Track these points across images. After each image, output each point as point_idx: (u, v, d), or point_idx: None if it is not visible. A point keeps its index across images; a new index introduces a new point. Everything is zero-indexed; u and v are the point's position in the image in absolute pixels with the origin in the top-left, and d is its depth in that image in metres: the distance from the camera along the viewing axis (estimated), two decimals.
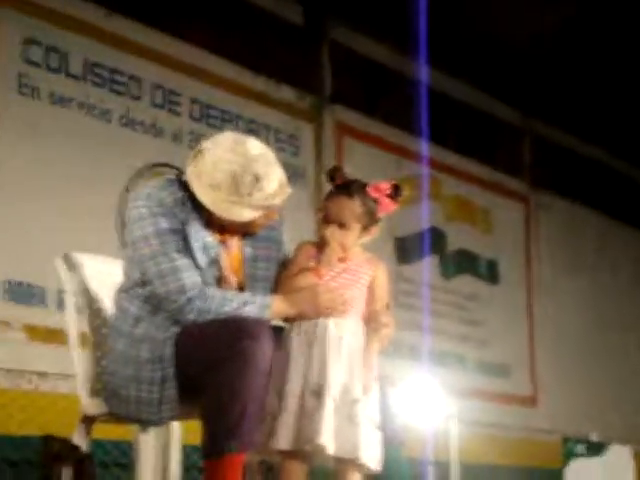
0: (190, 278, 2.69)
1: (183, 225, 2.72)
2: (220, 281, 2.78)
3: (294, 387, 2.67)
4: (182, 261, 2.69)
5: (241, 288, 2.83)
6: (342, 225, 2.80)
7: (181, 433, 3.55)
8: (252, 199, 2.70)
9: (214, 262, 2.77)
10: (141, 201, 2.75)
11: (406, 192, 2.88)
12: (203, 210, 2.76)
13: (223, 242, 2.82)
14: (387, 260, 2.97)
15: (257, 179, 2.71)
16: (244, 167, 2.71)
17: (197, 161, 2.75)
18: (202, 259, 2.73)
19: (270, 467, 4.45)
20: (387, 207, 2.84)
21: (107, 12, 5.83)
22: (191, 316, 2.68)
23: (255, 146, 2.76)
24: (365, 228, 2.84)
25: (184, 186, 2.77)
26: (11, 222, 5.18)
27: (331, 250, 2.81)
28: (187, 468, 4.78)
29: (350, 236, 2.82)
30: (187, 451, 4.43)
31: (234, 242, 2.85)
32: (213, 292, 2.71)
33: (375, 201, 2.82)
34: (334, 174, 2.85)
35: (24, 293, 5.21)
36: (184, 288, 2.67)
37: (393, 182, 2.87)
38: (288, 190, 2.78)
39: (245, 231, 2.84)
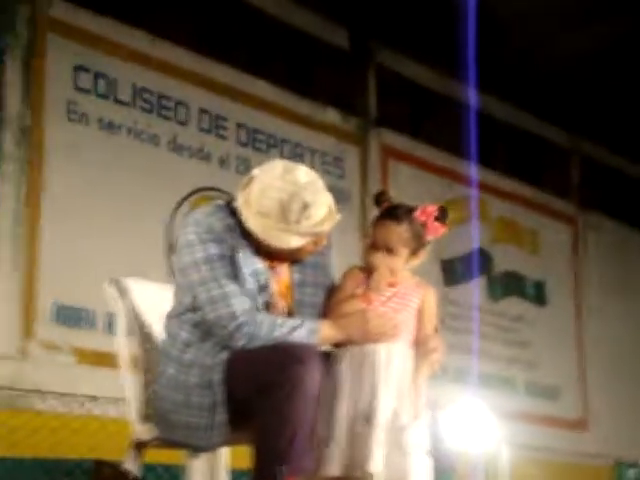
0: (240, 304, 2.69)
1: (232, 251, 2.73)
2: (269, 307, 2.79)
3: (344, 413, 2.66)
4: (232, 287, 2.70)
5: (289, 314, 2.83)
6: (390, 250, 2.78)
7: (229, 457, 3.54)
8: (300, 227, 2.70)
9: (264, 288, 2.77)
10: (190, 227, 2.76)
11: (452, 215, 2.86)
12: (252, 237, 2.77)
13: (272, 268, 2.83)
14: (434, 282, 2.96)
15: (305, 207, 2.71)
16: (292, 195, 2.70)
17: (247, 189, 2.76)
18: (252, 285, 2.73)
19: None
20: (435, 230, 2.82)
21: (152, 38, 5.90)
22: (241, 342, 2.68)
23: (304, 174, 2.76)
24: (413, 252, 2.82)
25: (233, 212, 2.78)
26: (60, 246, 5.24)
27: (380, 276, 2.80)
28: None
29: (398, 261, 2.80)
30: (235, 476, 4.44)
31: (283, 269, 2.85)
32: (262, 318, 2.71)
33: (423, 225, 2.81)
34: (380, 198, 2.84)
35: (73, 316, 5.25)
36: (235, 314, 2.68)
37: (440, 205, 2.85)
38: (337, 217, 2.78)
39: (293, 258, 2.84)
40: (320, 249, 2.88)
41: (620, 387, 8.57)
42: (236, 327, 2.67)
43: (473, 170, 7.46)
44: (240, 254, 2.73)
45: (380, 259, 2.78)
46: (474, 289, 7.63)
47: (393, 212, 2.82)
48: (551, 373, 8.11)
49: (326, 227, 2.75)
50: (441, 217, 2.82)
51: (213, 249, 2.72)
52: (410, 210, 2.83)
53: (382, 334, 2.73)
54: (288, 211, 2.70)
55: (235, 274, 2.71)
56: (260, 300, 2.75)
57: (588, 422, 8.33)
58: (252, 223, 2.72)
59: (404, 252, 2.80)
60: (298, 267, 2.87)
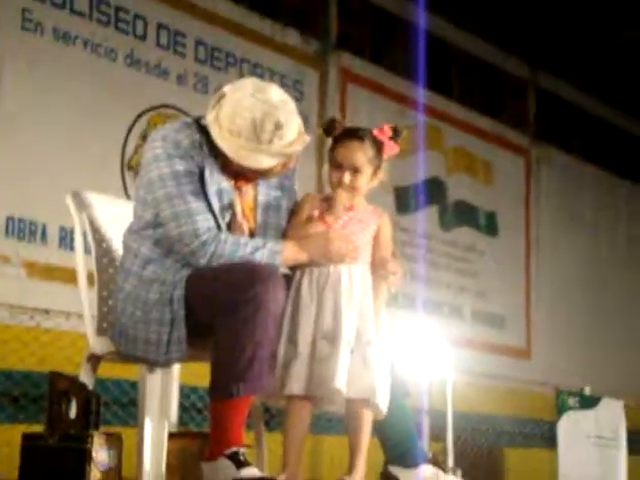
0: (204, 222, 2.68)
1: (199, 168, 2.71)
2: (232, 227, 2.78)
3: (306, 334, 2.68)
4: (197, 204, 2.69)
5: (252, 235, 2.83)
6: (356, 169, 2.81)
7: (180, 374, 3.56)
8: (272, 146, 2.69)
9: (228, 207, 2.76)
10: (158, 142, 2.73)
11: (405, 134, 2.90)
12: (220, 155, 2.75)
13: (238, 188, 2.82)
14: (386, 210, 2.99)
15: (278, 127, 2.69)
16: (265, 114, 2.68)
17: (217, 106, 2.72)
18: (216, 204, 2.72)
19: (273, 414, 4.49)
20: (391, 149, 2.88)
21: None
22: (204, 260, 2.68)
23: (276, 93, 2.74)
24: (374, 172, 2.85)
25: (201, 130, 2.75)
26: (13, 158, 5.16)
27: (340, 197, 2.81)
28: (185, 408, 4.84)
29: (362, 180, 2.83)
30: (186, 392, 4.48)
31: (248, 189, 2.84)
32: (226, 237, 2.70)
33: (380, 143, 2.84)
34: (332, 124, 2.85)
35: (24, 229, 5.19)
36: (198, 232, 2.67)
37: (392, 125, 2.89)
38: (307, 138, 2.77)
39: (261, 178, 2.82)
40: (287, 171, 2.87)
41: (565, 318, 8.75)
42: (199, 245, 2.67)
43: (426, 97, 7.46)
44: (207, 172, 2.71)
45: (347, 179, 2.79)
46: (426, 217, 7.68)
47: (355, 132, 2.86)
48: (498, 302, 8.25)
49: (297, 148, 2.74)
50: (395, 136, 2.86)
51: (180, 165, 2.69)
52: (368, 130, 2.85)
53: (343, 255, 2.75)
54: (261, 131, 2.68)
55: (201, 191, 2.69)
56: (223, 219, 2.74)
57: (531, 351, 8.51)
58: (223, 142, 2.69)
59: (368, 170, 2.82)
60: (263, 189, 2.86)
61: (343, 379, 2.62)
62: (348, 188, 2.81)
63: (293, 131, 2.73)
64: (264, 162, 2.71)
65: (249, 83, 2.76)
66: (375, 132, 2.86)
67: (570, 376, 7.67)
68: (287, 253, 2.73)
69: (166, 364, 2.79)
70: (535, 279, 8.66)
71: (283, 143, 2.70)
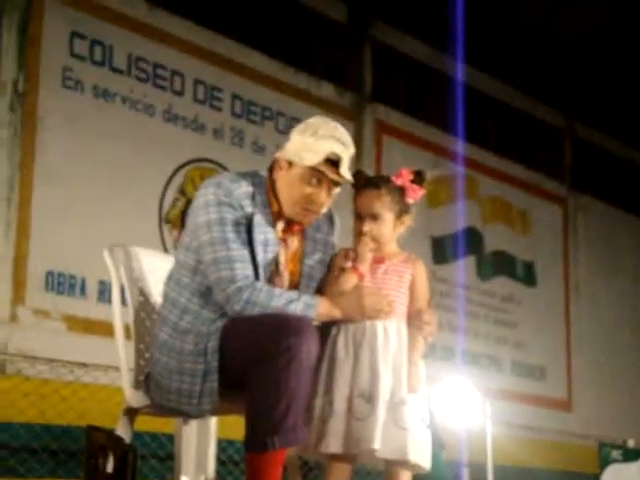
0: (243, 270, 2.70)
1: (248, 219, 2.74)
2: (274, 276, 2.79)
3: (343, 391, 2.66)
4: (239, 252, 2.71)
5: (294, 286, 2.84)
6: (375, 217, 2.81)
7: (217, 427, 3.56)
8: (323, 144, 2.73)
9: (272, 258, 2.77)
10: (210, 188, 2.76)
11: (429, 177, 2.89)
12: (271, 206, 2.78)
13: (284, 240, 2.84)
14: (423, 260, 2.97)
15: (332, 133, 2.76)
16: (324, 123, 2.79)
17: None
18: (261, 253, 2.74)
19: (311, 466, 4.46)
20: (414, 192, 2.86)
21: (150, 6, 5.87)
22: (238, 307, 2.68)
23: (346, 135, 2.82)
24: (398, 217, 2.85)
25: (257, 181, 2.79)
26: (52, 212, 5.23)
27: (363, 244, 2.82)
28: (223, 462, 4.82)
29: (384, 227, 2.83)
30: (223, 445, 4.46)
31: (294, 240, 2.86)
32: (261, 286, 2.71)
33: (401, 188, 2.84)
34: (358, 176, 2.87)
35: (64, 283, 5.25)
36: (235, 278, 2.68)
37: (414, 169, 2.89)
38: (350, 178, 2.79)
39: (306, 219, 2.82)
40: (329, 228, 2.90)
41: (606, 369, 8.63)
42: (235, 290, 2.67)
43: (461, 147, 7.47)
44: (255, 221, 2.74)
45: (366, 227, 2.80)
46: (463, 268, 7.65)
47: (370, 181, 2.87)
48: (538, 353, 8.16)
49: (341, 154, 2.74)
50: (417, 179, 2.86)
51: (229, 213, 2.72)
52: (388, 178, 2.88)
53: (378, 311, 2.73)
54: (317, 129, 2.76)
55: (247, 241, 2.72)
56: (266, 268, 2.76)
57: (572, 402, 8.39)
58: (288, 148, 2.77)
59: (389, 217, 2.82)
60: (310, 242, 2.88)
61: (379, 439, 2.59)
62: (370, 237, 2.81)
63: (343, 151, 2.77)
64: (313, 158, 2.73)
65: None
66: (393, 178, 2.86)
67: (612, 428, 7.55)
68: (321, 308, 2.72)
69: (198, 415, 2.78)
70: (575, 329, 8.57)
71: (332, 145, 2.75)
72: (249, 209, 2.74)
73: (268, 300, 2.69)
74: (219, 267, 2.70)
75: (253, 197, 2.76)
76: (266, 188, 2.82)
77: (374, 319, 2.75)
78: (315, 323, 2.74)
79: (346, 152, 2.79)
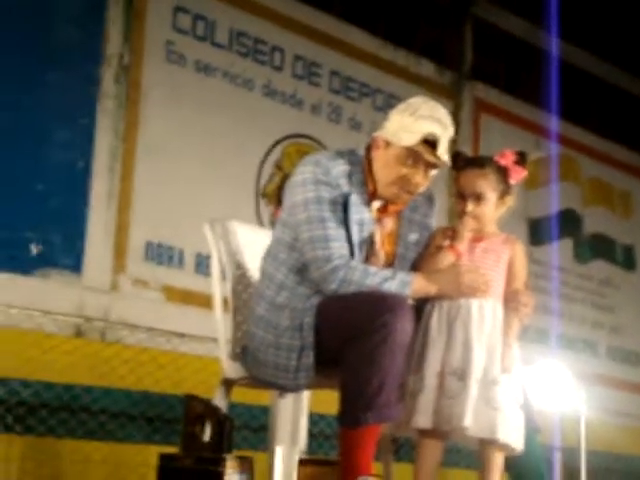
0: (339, 249, 2.73)
1: (344, 198, 2.76)
2: (369, 256, 2.81)
3: (434, 367, 2.68)
4: (336, 231, 2.73)
5: (390, 265, 2.85)
6: (479, 197, 2.80)
7: (310, 401, 3.60)
8: (421, 124, 2.73)
9: (367, 237, 2.80)
10: (309, 166, 2.80)
11: (532, 158, 2.87)
12: (367, 186, 2.80)
13: (379, 220, 2.85)
14: (519, 240, 2.95)
15: (431, 114, 2.76)
16: (424, 102, 2.79)
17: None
18: (357, 233, 2.76)
19: (402, 443, 4.48)
20: (517, 173, 2.85)
21: None
22: (334, 285, 2.71)
23: (446, 114, 2.82)
24: (500, 198, 2.83)
25: (354, 160, 2.81)
26: (153, 184, 5.33)
27: (463, 224, 2.81)
28: (314, 435, 4.87)
29: (487, 206, 2.81)
30: (315, 419, 4.51)
31: (389, 221, 2.87)
32: (356, 265, 2.73)
33: (505, 168, 2.82)
34: (458, 158, 2.85)
35: (163, 254, 5.35)
36: (331, 257, 2.71)
37: (516, 150, 2.87)
38: (448, 161, 2.78)
39: (403, 199, 2.83)
40: (428, 210, 2.90)
41: None
42: (330, 269, 2.71)
43: (562, 127, 7.33)
44: (351, 201, 2.76)
45: (469, 207, 2.78)
46: (560, 250, 7.54)
47: (475, 160, 2.87)
48: (634, 339, 8.00)
49: (439, 136, 2.73)
50: (521, 161, 2.84)
51: (326, 192, 2.75)
52: (490, 157, 2.85)
53: (474, 289, 2.73)
54: (417, 108, 2.76)
55: (343, 220, 2.74)
56: (362, 247, 2.78)
57: None
58: (386, 127, 2.78)
59: (493, 197, 2.82)
60: (406, 223, 2.89)
61: (470, 417, 2.60)
62: (472, 216, 2.80)
63: (441, 134, 2.75)
64: (409, 139, 2.73)
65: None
66: (497, 158, 2.84)
67: None
68: (417, 285, 2.73)
69: (294, 389, 2.82)
70: None
71: (429, 126, 2.74)
72: (346, 188, 2.76)
73: (363, 278, 2.71)
74: (315, 246, 2.73)
75: (350, 176, 2.78)
76: (363, 167, 2.83)
77: (470, 297, 2.75)
78: (410, 301, 2.75)
79: (445, 133, 2.78)
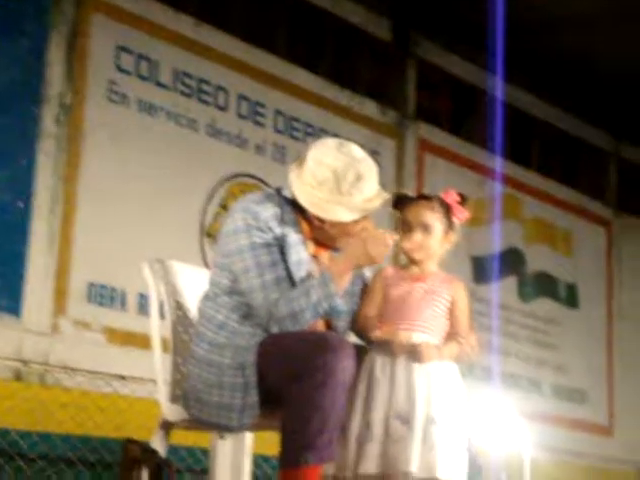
0: (274, 293, 2.72)
1: (279, 240, 2.75)
2: None
3: (379, 412, 2.67)
4: (270, 276, 2.72)
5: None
6: (426, 227, 2.82)
7: (252, 443, 3.55)
8: (352, 199, 2.73)
9: (305, 276, 2.78)
10: (238, 214, 2.79)
11: (472, 202, 2.91)
12: (300, 225, 2.79)
13: (315, 256, 2.85)
14: (463, 279, 2.96)
15: (359, 179, 2.75)
16: (347, 165, 2.75)
17: (300, 166, 2.78)
18: (297, 274, 2.75)
19: None
20: (461, 213, 2.88)
21: (196, 22, 5.91)
22: (275, 329, 2.72)
23: (358, 149, 2.80)
24: (445, 233, 2.85)
25: (283, 201, 2.80)
26: (95, 225, 5.27)
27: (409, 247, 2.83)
28: (257, 478, 4.81)
29: (434, 238, 2.83)
30: (258, 461, 4.46)
31: (325, 258, 2.87)
32: (282, 303, 2.72)
33: (449, 206, 2.85)
34: (402, 197, 2.87)
35: (105, 295, 5.28)
36: (267, 304, 2.71)
37: (459, 192, 2.90)
38: (386, 196, 2.80)
39: (340, 239, 2.82)
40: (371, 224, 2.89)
41: None
42: (269, 316, 2.71)
43: (505, 167, 7.42)
44: (287, 243, 2.75)
45: (418, 238, 2.79)
46: (504, 288, 7.59)
47: (422, 195, 2.88)
48: (579, 376, 8.07)
49: (375, 204, 2.76)
50: (463, 202, 2.87)
51: (258, 237, 2.74)
52: (436, 194, 2.90)
53: (379, 253, 2.72)
54: (342, 180, 2.73)
55: (278, 262, 2.73)
56: None
57: (614, 427, 8.27)
58: (303, 196, 2.74)
59: (439, 229, 2.82)
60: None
61: (416, 461, 2.59)
62: (419, 247, 2.81)
63: (373, 187, 2.76)
64: (343, 216, 2.73)
65: (331, 140, 2.83)
66: (442, 195, 2.88)
67: None
68: (335, 275, 2.71)
69: (239, 429, 2.79)
70: (617, 353, 8.45)
71: (363, 197, 2.73)
72: (277, 230, 2.76)
73: (291, 307, 2.70)
74: (253, 295, 2.74)
75: (281, 218, 2.78)
76: (293, 207, 2.82)
77: (380, 262, 2.75)
78: (352, 338, 2.73)
79: (369, 172, 2.78)
